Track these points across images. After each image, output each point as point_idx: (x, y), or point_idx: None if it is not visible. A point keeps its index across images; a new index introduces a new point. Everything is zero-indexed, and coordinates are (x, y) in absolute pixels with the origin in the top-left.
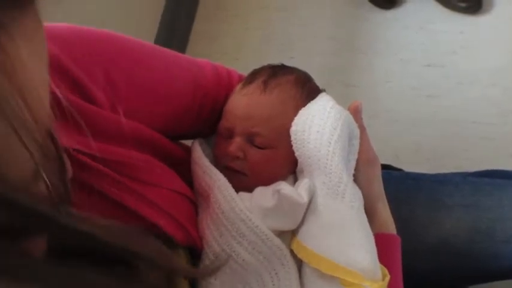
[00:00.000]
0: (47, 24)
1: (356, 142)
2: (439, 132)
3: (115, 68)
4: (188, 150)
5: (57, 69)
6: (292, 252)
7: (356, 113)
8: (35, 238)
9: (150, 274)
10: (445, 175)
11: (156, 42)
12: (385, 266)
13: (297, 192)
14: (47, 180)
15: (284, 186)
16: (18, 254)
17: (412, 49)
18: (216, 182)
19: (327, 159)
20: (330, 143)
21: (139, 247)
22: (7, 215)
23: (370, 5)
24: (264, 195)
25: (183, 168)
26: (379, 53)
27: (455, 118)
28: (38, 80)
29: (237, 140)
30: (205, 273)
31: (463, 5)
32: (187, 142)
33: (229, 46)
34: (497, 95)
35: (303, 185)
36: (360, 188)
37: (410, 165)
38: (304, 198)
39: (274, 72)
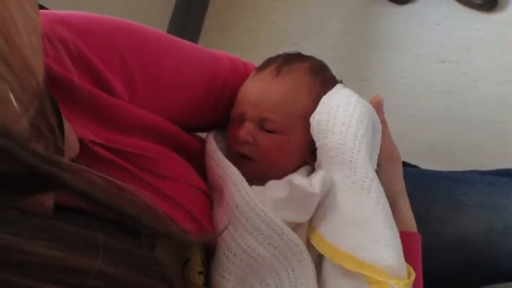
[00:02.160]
0: (63, 12)
1: (378, 137)
2: (453, 128)
3: (132, 58)
4: (204, 143)
5: (76, 58)
6: (308, 248)
7: (378, 107)
8: (38, 195)
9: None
10: (462, 173)
11: (169, 33)
12: (407, 264)
13: (309, 182)
14: (38, 133)
15: (296, 177)
16: (17, 208)
17: (427, 45)
18: (229, 175)
19: (353, 153)
20: (357, 136)
21: (133, 209)
22: (7, 169)
23: (385, 0)
24: (276, 187)
25: (199, 160)
26: (394, 49)
27: (469, 115)
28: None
29: (247, 125)
30: (203, 241)
31: (478, 2)
32: (203, 135)
33: (242, 38)
34: (511, 92)
35: (317, 176)
36: (382, 185)
37: (423, 161)
38: (316, 189)
39: (289, 59)
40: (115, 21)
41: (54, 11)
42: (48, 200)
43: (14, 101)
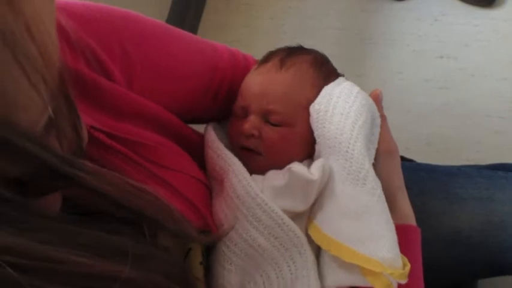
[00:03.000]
0: (64, 0)
1: (376, 131)
2: (451, 124)
3: (131, 45)
4: (200, 136)
5: (77, 46)
6: (309, 240)
7: (377, 101)
8: (49, 194)
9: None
10: (458, 167)
11: None
12: (406, 257)
13: (308, 170)
14: (61, 132)
15: (295, 165)
16: (41, 214)
17: (425, 41)
18: (230, 165)
19: (349, 144)
20: (354, 127)
21: (152, 210)
22: (21, 167)
23: None
24: (276, 175)
25: (196, 151)
26: (392, 44)
27: (467, 111)
28: (45, 13)
29: (252, 118)
30: (214, 239)
31: None
32: (200, 128)
33: (239, 34)
34: (509, 88)
35: (316, 163)
36: (380, 179)
37: (421, 157)
38: (315, 175)
39: (291, 52)
40: (114, 9)
41: None
42: (57, 198)
43: (37, 103)
